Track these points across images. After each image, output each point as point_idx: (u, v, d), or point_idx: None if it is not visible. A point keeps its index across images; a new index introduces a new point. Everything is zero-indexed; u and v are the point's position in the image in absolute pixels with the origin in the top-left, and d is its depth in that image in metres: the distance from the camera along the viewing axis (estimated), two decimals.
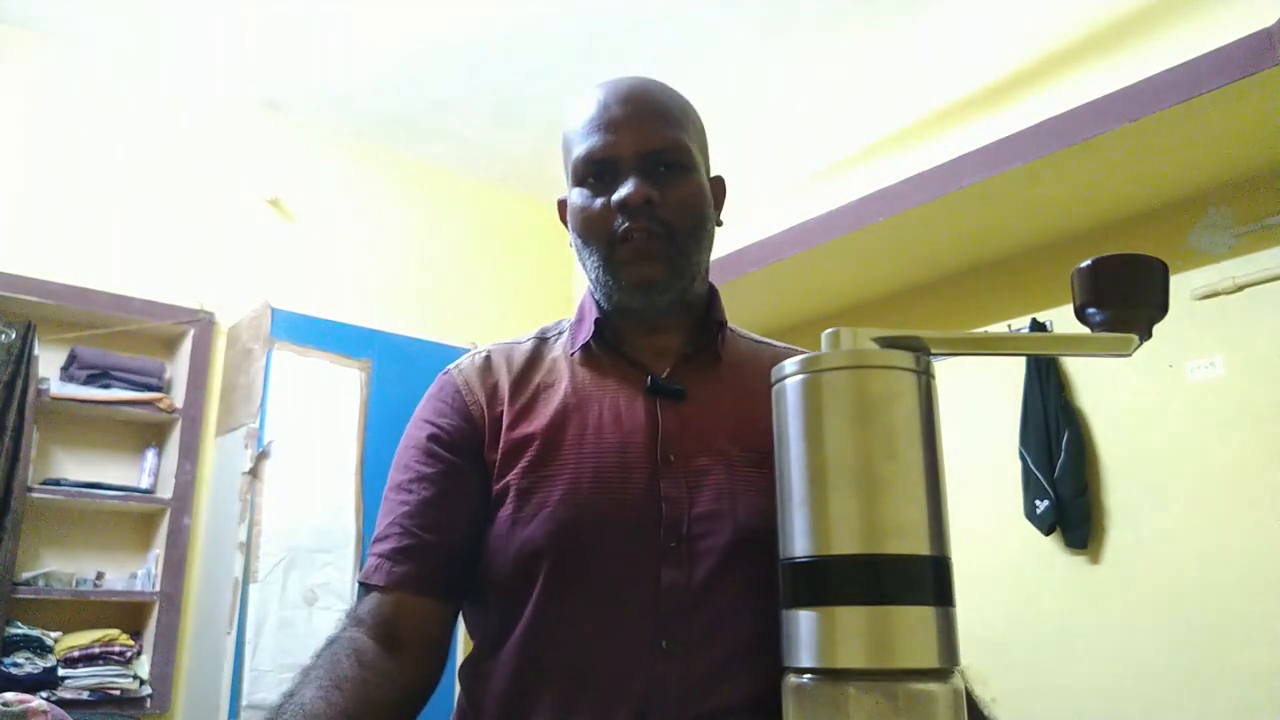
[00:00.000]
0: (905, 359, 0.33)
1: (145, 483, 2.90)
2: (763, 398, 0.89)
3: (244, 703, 2.51)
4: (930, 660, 0.29)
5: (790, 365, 0.32)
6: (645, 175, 0.85)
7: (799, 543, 0.30)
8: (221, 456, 2.90)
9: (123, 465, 2.90)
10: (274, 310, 2.83)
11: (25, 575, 2.59)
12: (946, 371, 3.13)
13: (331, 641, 0.79)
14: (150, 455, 2.93)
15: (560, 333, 0.96)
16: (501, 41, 2.95)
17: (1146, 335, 0.39)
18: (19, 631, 2.51)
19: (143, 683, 2.68)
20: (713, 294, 0.95)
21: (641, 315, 0.89)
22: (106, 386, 2.81)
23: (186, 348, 3.02)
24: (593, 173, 0.86)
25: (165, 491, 2.89)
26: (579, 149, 0.88)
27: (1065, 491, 2.61)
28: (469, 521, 0.84)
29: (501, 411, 0.87)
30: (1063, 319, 2.80)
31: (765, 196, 3.17)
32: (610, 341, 0.90)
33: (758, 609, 0.76)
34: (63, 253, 2.83)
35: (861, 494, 0.29)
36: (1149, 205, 2.62)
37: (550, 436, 0.84)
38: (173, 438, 2.95)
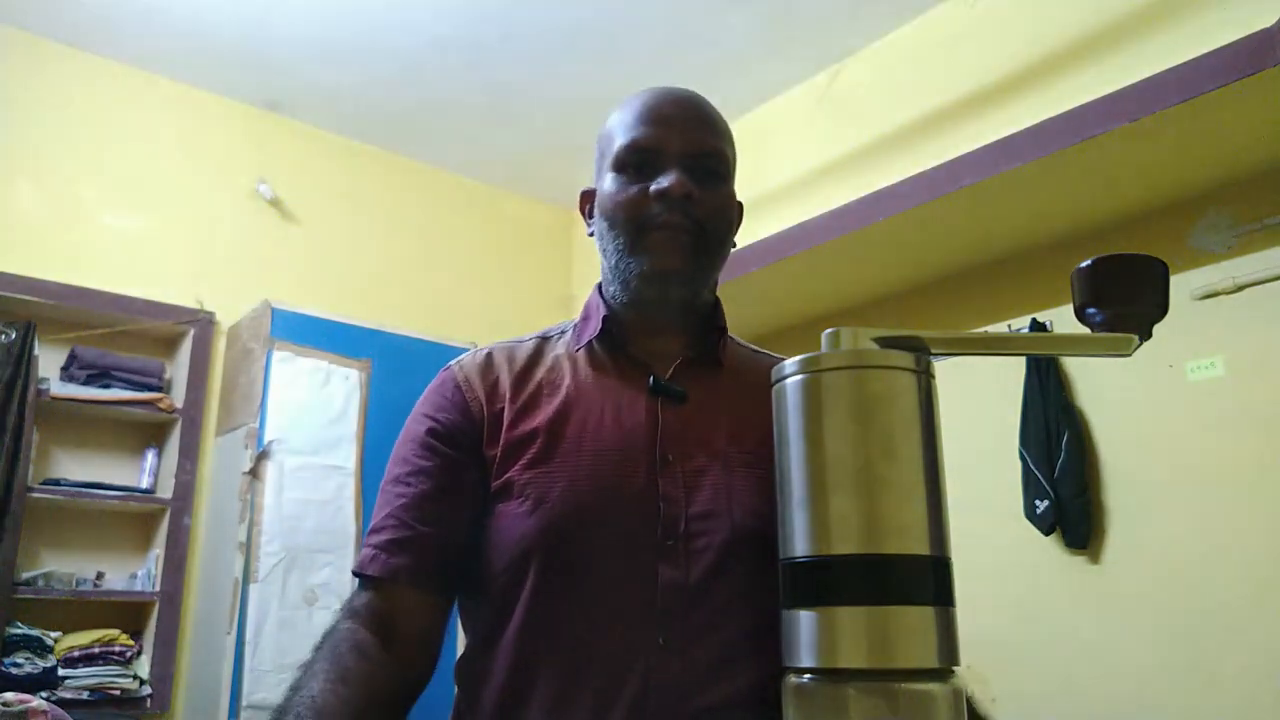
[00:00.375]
0: (905, 359, 0.33)
1: (145, 483, 2.90)
2: (760, 402, 0.89)
3: (244, 703, 2.51)
4: (930, 660, 0.29)
5: (790, 365, 0.32)
6: (686, 172, 0.86)
7: (799, 543, 0.30)
8: (221, 456, 2.90)
9: (123, 465, 2.90)
10: (274, 310, 2.83)
11: (25, 575, 2.59)
12: (946, 371, 3.13)
13: (330, 634, 0.80)
14: (150, 455, 2.94)
15: (563, 332, 0.97)
16: (501, 41, 2.95)
17: (1146, 335, 0.39)
18: (19, 631, 2.51)
19: (143, 683, 2.68)
20: (716, 303, 0.97)
21: (651, 313, 0.90)
22: (106, 386, 2.81)
23: (186, 347, 3.02)
24: (634, 161, 0.87)
25: (165, 491, 2.89)
26: (624, 137, 0.89)
27: (1065, 491, 2.60)
28: (466, 516, 0.85)
29: (502, 408, 0.87)
30: (1063, 319, 2.80)
31: (765, 197, 3.16)
32: (615, 341, 0.91)
33: (754, 606, 0.77)
34: (63, 253, 2.83)
35: (861, 494, 0.29)
36: (1149, 205, 2.62)
37: (552, 432, 0.84)
38: (173, 438, 2.95)
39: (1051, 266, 2.86)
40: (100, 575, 2.76)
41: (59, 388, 2.72)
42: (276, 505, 2.68)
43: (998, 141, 2.43)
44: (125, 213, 2.98)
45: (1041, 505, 2.63)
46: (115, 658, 2.64)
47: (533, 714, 0.78)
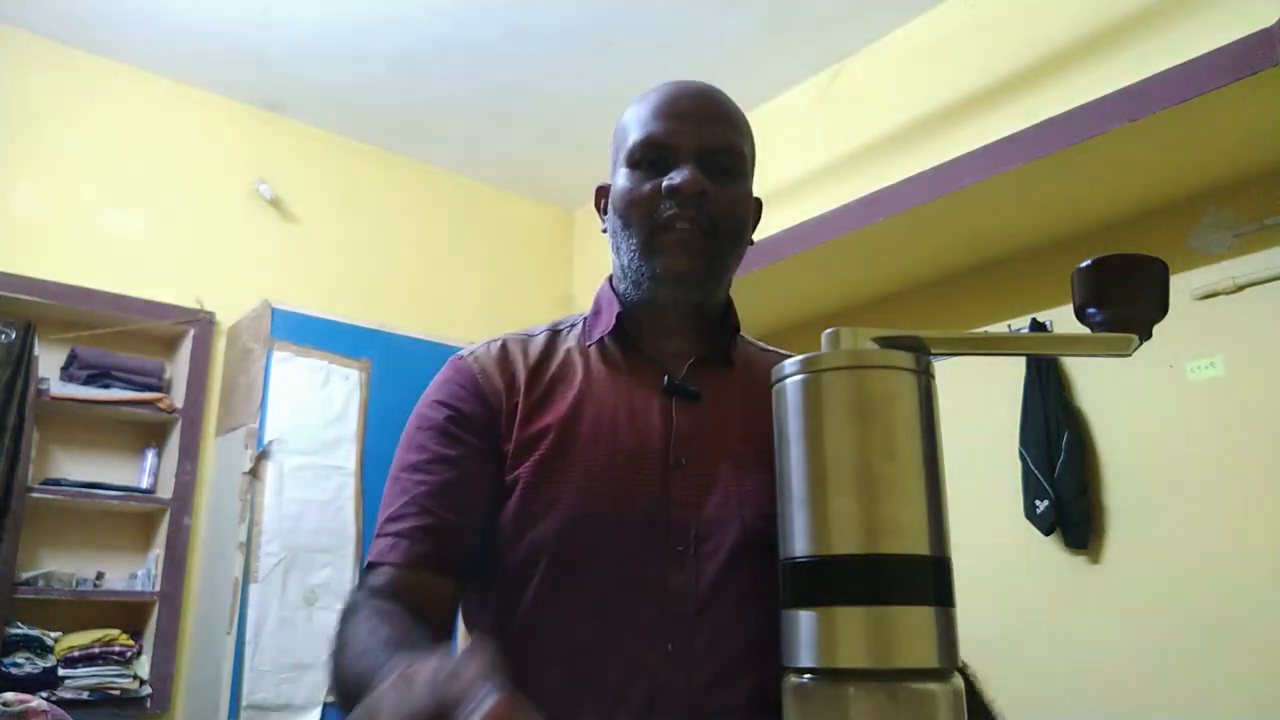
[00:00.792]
0: (905, 359, 0.33)
1: (145, 483, 2.90)
2: (768, 397, 0.89)
3: (244, 703, 2.51)
4: (930, 660, 0.29)
5: (790, 365, 0.32)
6: (701, 169, 0.84)
7: (799, 543, 0.30)
8: (221, 456, 2.90)
9: (123, 465, 2.90)
10: (274, 310, 2.83)
11: (25, 575, 2.59)
12: (946, 372, 3.13)
13: (352, 609, 0.76)
14: (150, 455, 2.93)
15: (573, 326, 0.95)
16: (501, 41, 2.95)
17: (1146, 335, 0.39)
18: (19, 631, 2.51)
19: (143, 683, 2.68)
20: (728, 302, 0.96)
21: (664, 312, 0.89)
22: (106, 386, 2.81)
23: (186, 347, 3.02)
24: (649, 157, 0.86)
25: (165, 491, 2.89)
26: (638, 132, 0.87)
27: (1065, 491, 2.60)
28: (486, 506, 0.83)
29: (518, 403, 0.86)
30: (1063, 319, 2.80)
31: (764, 197, 3.16)
32: (628, 338, 0.90)
33: (763, 610, 0.76)
34: (63, 253, 2.83)
35: (861, 494, 0.29)
36: (1149, 205, 2.62)
37: (565, 431, 0.83)
38: (173, 438, 2.95)
39: (1051, 266, 2.86)
40: (100, 575, 2.76)
41: (59, 388, 2.72)
42: (276, 505, 2.68)
43: (998, 141, 2.43)
44: (125, 213, 2.98)
45: (1041, 505, 2.63)
46: (115, 658, 2.64)
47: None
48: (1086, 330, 0.41)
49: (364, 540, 2.80)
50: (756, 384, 0.91)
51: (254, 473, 2.66)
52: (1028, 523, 2.68)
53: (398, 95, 3.25)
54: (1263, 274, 2.40)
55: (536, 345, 0.92)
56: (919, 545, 0.30)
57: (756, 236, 0.97)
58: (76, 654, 2.57)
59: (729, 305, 0.95)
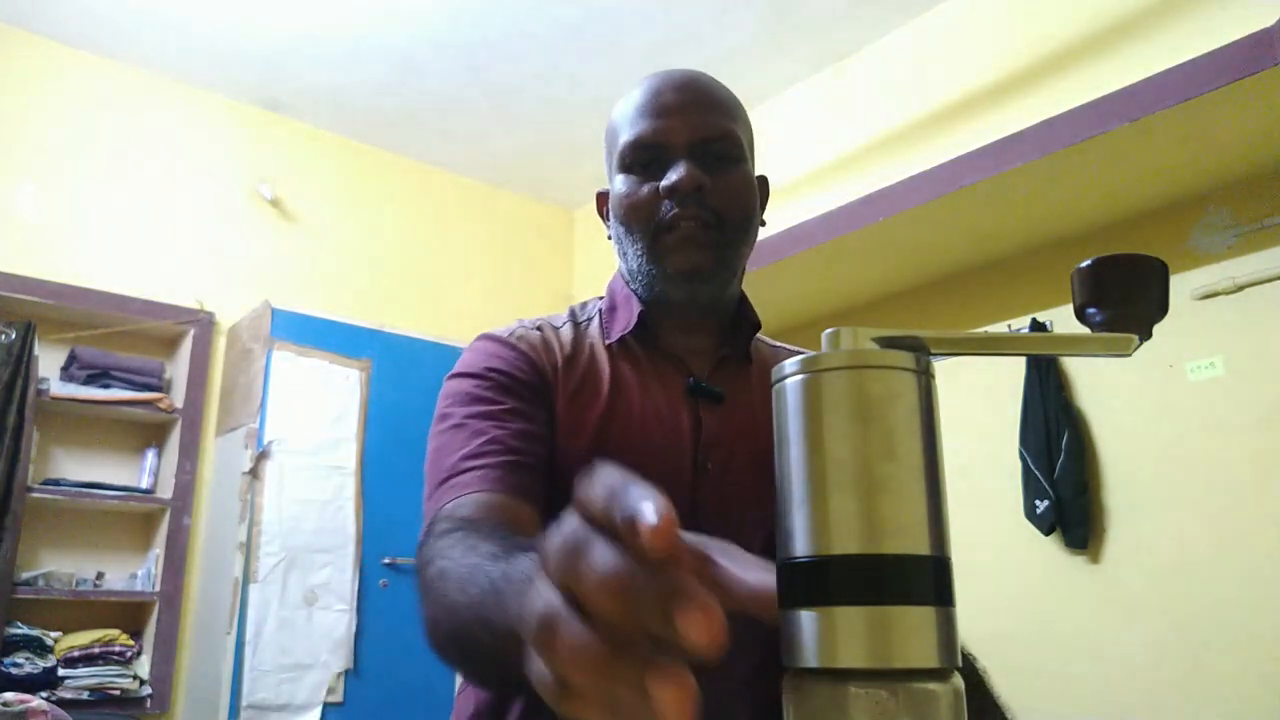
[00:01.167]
0: (905, 359, 0.33)
1: (145, 483, 2.90)
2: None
3: (244, 703, 2.51)
4: (930, 660, 0.29)
5: (790, 365, 0.32)
6: (696, 163, 0.82)
7: (798, 543, 0.30)
8: (221, 456, 2.90)
9: (123, 465, 2.90)
10: (274, 310, 2.83)
11: (25, 575, 2.59)
12: (946, 372, 3.14)
13: (443, 535, 0.63)
14: (150, 455, 2.93)
15: (590, 319, 0.92)
16: (501, 41, 2.95)
17: (1147, 335, 0.39)
18: (19, 631, 2.51)
19: (143, 683, 2.68)
20: (743, 296, 0.94)
21: (681, 310, 0.87)
22: (106, 386, 2.81)
23: (186, 348, 3.02)
24: (641, 158, 0.84)
25: (165, 491, 2.89)
26: (628, 134, 0.85)
27: (1065, 491, 2.60)
28: (549, 466, 0.78)
29: (563, 385, 0.83)
30: (1063, 319, 2.80)
31: None
32: (649, 336, 0.88)
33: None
34: (63, 253, 2.83)
35: (861, 494, 0.29)
36: (1149, 205, 2.62)
37: (600, 431, 0.81)
38: (173, 438, 2.95)
39: (1051, 266, 2.86)
40: (100, 575, 2.76)
41: (59, 388, 2.72)
42: (276, 505, 2.68)
43: (998, 141, 2.43)
44: (125, 213, 2.98)
45: (1041, 505, 2.63)
46: (115, 658, 2.64)
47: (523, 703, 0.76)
48: (1086, 330, 0.40)
49: (364, 540, 2.80)
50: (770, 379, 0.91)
51: (254, 473, 2.66)
52: (1028, 523, 2.68)
53: (398, 95, 3.25)
54: (1262, 274, 2.40)
55: (566, 337, 0.89)
56: (919, 545, 0.30)
57: (766, 225, 0.94)
58: (76, 654, 2.56)
59: (743, 299, 0.93)
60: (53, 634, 2.57)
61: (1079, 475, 2.61)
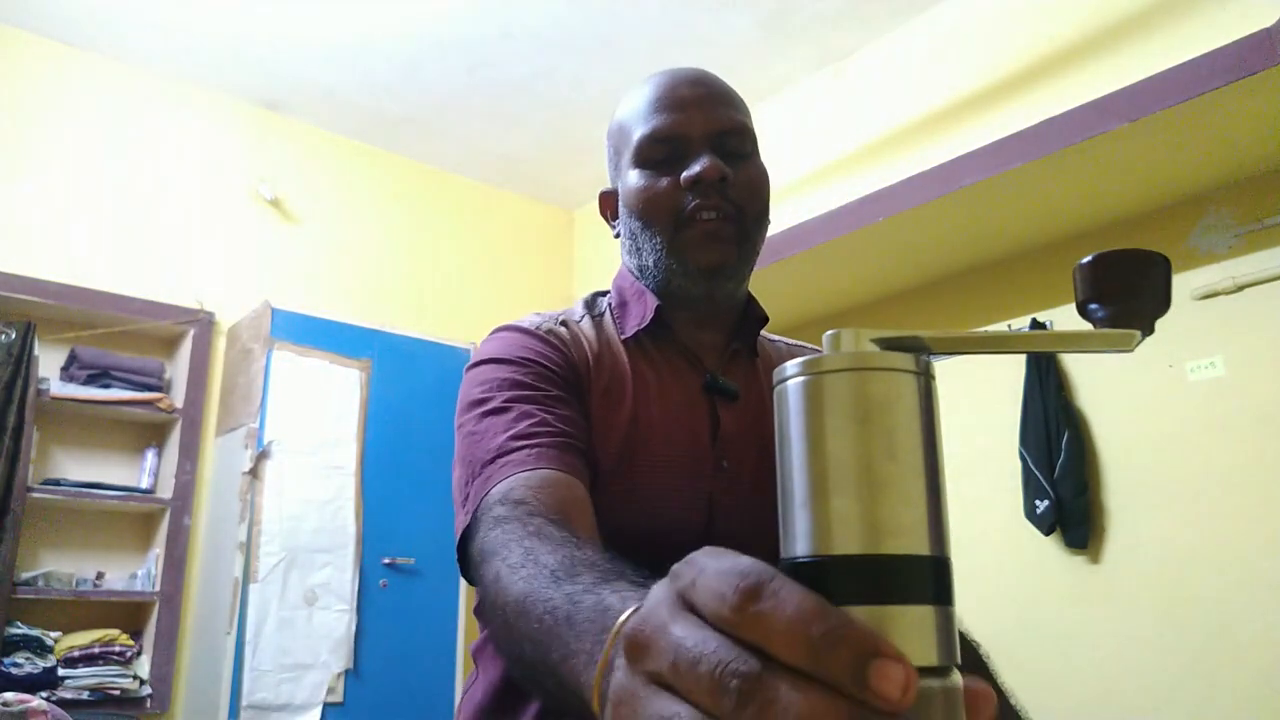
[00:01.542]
0: (906, 360, 0.33)
1: (145, 483, 2.90)
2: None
3: (244, 703, 2.51)
4: (930, 659, 0.29)
5: (791, 367, 0.32)
6: (716, 155, 0.82)
7: (799, 544, 0.30)
8: (221, 456, 2.90)
9: (123, 465, 2.90)
10: (274, 310, 2.83)
11: (25, 575, 2.59)
12: (946, 372, 3.14)
13: (507, 522, 0.60)
14: (150, 455, 2.93)
15: (601, 313, 0.91)
16: (501, 41, 2.95)
17: (1149, 331, 0.39)
18: (19, 631, 2.50)
19: (142, 683, 2.68)
20: (749, 292, 0.94)
21: (697, 304, 0.86)
22: (106, 386, 2.81)
23: (186, 348, 3.02)
24: (659, 152, 0.83)
25: (165, 491, 2.89)
26: (643, 129, 0.84)
27: (1065, 491, 2.60)
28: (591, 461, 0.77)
29: (594, 382, 0.82)
30: (1063, 319, 2.80)
31: None
32: (667, 331, 0.87)
33: None
34: (63, 252, 2.83)
35: (862, 495, 0.29)
36: (1149, 205, 2.62)
37: (630, 431, 0.80)
38: (173, 438, 2.95)
39: (1051, 266, 2.87)
40: (100, 575, 2.76)
41: (59, 388, 2.72)
42: (276, 505, 2.68)
43: (998, 141, 2.43)
44: (125, 213, 2.98)
45: (1041, 505, 2.63)
46: (115, 658, 2.64)
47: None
48: (1088, 326, 0.40)
49: (364, 540, 2.80)
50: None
51: (254, 473, 2.66)
52: (1028, 523, 2.68)
53: (398, 96, 3.25)
54: (1263, 274, 2.40)
55: (589, 332, 0.87)
56: (919, 546, 0.30)
57: (771, 223, 0.94)
58: (76, 654, 2.56)
59: (750, 294, 0.93)
60: (53, 634, 2.57)
61: (1079, 475, 2.61)
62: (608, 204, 0.92)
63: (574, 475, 0.69)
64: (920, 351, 0.33)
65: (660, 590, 0.30)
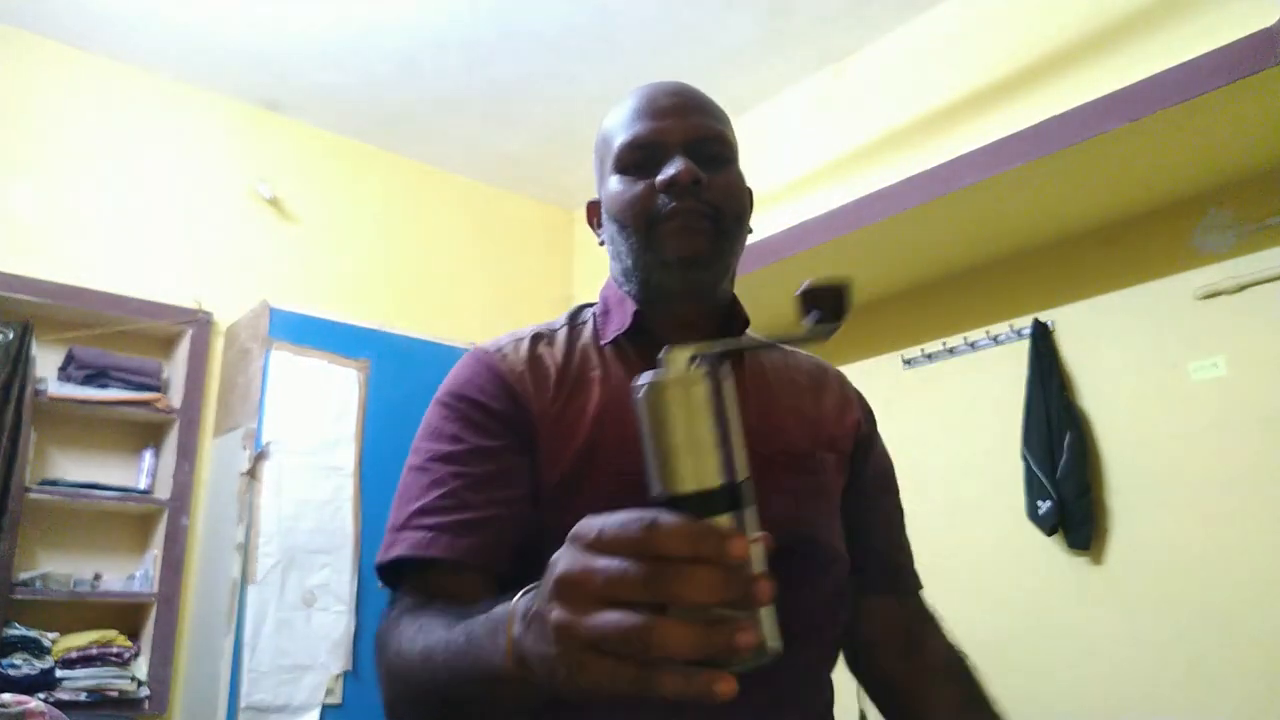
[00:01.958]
0: (695, 372, 0.48)
1: (143, 483, 2.89)
2: (782, 400, 0.90)
3: (242, 704, 2.50)
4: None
5: (641, 378, 0.48)
6: (691, 160, 0.84)
7: (656, 487, 0.46)
8: (219, 457, 2.89)
9: (120, 466, 2.90)
10: (272, 310, 2.82)
11: (22, 576, 2.58)
12: (949, 374, 3.12)
13: (399, 620, 0.71)
14: (148, 456, 2.93)
15: (584, 321, 0.93)
16: (501, 41, 2.95)
17: (837, 325, 0.57)
18: (16, 633, 2.50)
19: (140, 684, 2.67)
20: (734, 297, 0.95)
21: (676, 304, 0.87)
22: (104, 387, 2.80)
23: (184, 348, 3.01)
24: (637, 158, 0.85)
25: (163, 492, 2.88)
26: (623, 136, 0.87)
27: (1067, 492, 2.60)
28: (523, 507, 0.79)
29: (549, 405, 0.84)
30: (1063, 319, 2.80)
31: (765, 197, 3.16)
32: (644, 336, 0.88)
33: (785, 608, 0.75)
34: (60, 252, 2.82)
35: (679, 455, 0.46)
36: (1150, 205, 2.62)
37: (593, 438, 0.81)
38: (170, 438, 2.94)
39: (1051, 266, 2.86)
40: (98, 576, 2.75)
41: (56, 388, 2.71)
42: (274, 506, 2.67)
43: (998, 141, 2.43)
44: (123, 212, 2.97)
45: (1044, 506, 2.63)
46: (113, 659, 2.63)
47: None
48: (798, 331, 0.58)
49: (362, 541, 2.79)
50: (765, 380, 0.92)
51: (252, 473, 2.65)
52: (1030, 523, 2.68)
53: (398, 95, 3.25)
54: (1265, 274, 2.39)
55: (560, 343, 0.90)
56: (713, 480, 0.45)
57: (749, 238, 0.96)
58: (74, 655, 2.56)
59: (734, 299, 0.94)
60: (50, 635, 2.57)
61: (1081, 476, 2.60)
62: (594, 213, 0.94)
63: (463, 560, 0.75)
64: (710, 358, 0.49)
65: (566, 550, 0.46)
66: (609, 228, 0.88)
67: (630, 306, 0.88)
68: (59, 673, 2.52)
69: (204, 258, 3.10)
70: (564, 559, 0.45)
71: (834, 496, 0.90)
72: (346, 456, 2.83)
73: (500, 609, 0.54)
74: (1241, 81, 1.99)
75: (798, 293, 0.57)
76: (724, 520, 0.45)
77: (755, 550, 0.45)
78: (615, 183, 0.86)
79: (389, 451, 2.86)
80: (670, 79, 0.94)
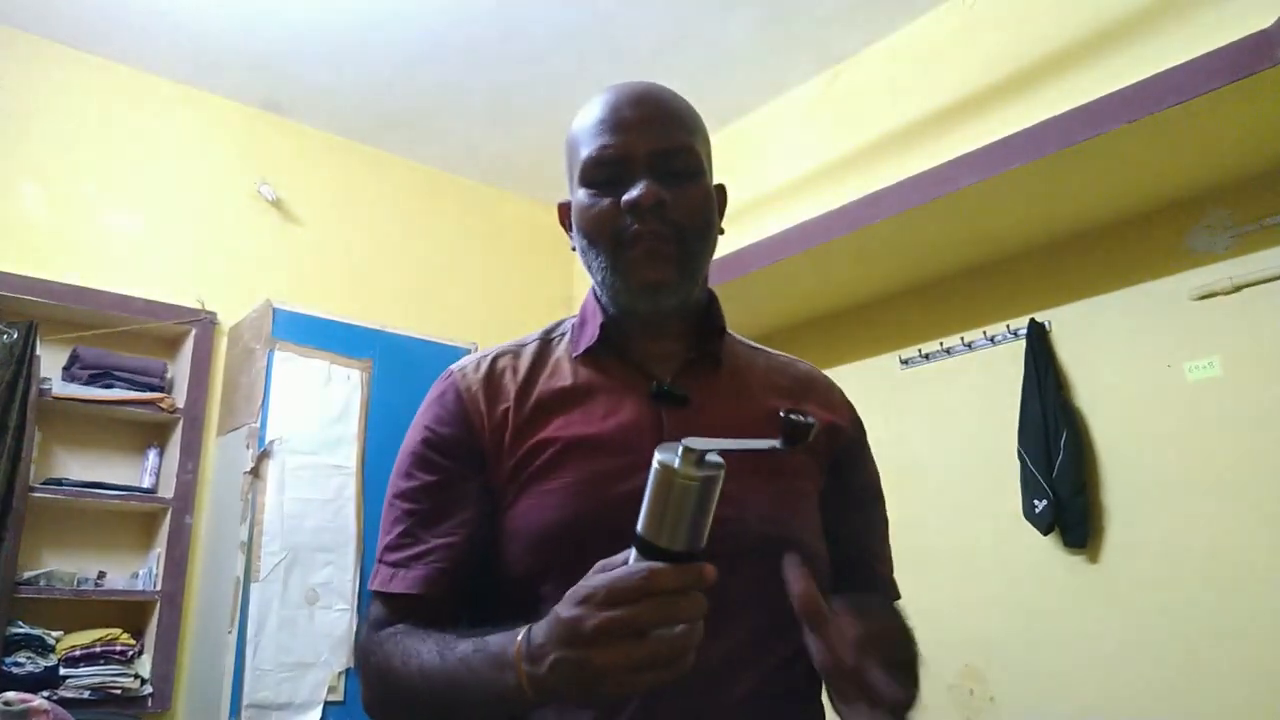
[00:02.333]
0: (690, 469, 0.60)
1: (147, 482, 2.90)
2: (761, 404, 0.91)
3: (245, 702, 2.51)
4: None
5: (659, 453, 0.61)
6: (655, 177, 0.84)
7: (651, 536, 0.61)
8: (223, 456, 2.90)
9: (124, 465, 2.91)
10: (275, 310, 2.83)
11: (27, 574, 2.60)
12: (945, 372, 3.14)
13: (377, 641, 0.82)
14: (152, 455, 2.94)
15: (563, 334, 0.95)
16: (501, 41, 2.96)
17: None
18: (20, 631, 2.51)
19: (144, 682, 2.69)
20: (712, 299, 0.95)
21: (646, 319, 0.89)
22: (108, 386, 2.81)
23: (188, 347, 3.03)
24: (602, 175, 0.85)
25: (167, 491, 2.90)
26: (587, 149, 0.87)
27: (1063, 491, 2.61)
28: (474, 527, 0.85)
29: (507, 419, 0.87)
30: (1059, 319, 2.81)
31: (765, 197, 3.17)
32: (615, 346, 0.90)
33: (764, 606, 0.77)
34: (64, 253, 2.83)
35: (664, 524, 0.61)
36: (1147, 205, 2.63)
37: (559, 446, 0.84)
38: (174, 437, 2.95)
39: (1048, 267, 2.87)
40: (102, 575, 2.77)
41: (61, 388, 2.73)
42: (278, 505, 2.68)
43: (998, 141, 2.44)
44: (127, 213, 2.98)
45: (1040, 505, 2.64)
46: (116, 657, 2.64)
47: (543, 714, 0.78)
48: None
49: (365, 539, 2.81)
50: (746, 386, 0.92)
51: (255, 472, 2.67)
52: (1026, 522, 2.69)
53: (397, 95, 3.26)
54: (1261, 274, 2.40)
55: (527, 356, 0.92)
56: (681, 545, 0.61)
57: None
58: (78, 653, 2.57)
59: (712, 303, 0.95)
60: (54, 633, 2.58)
61: (1077, 475, 2.61)
62: (566, 215, 0.94)
63: (428, 594, 0.82)
64: (704, 461, 0.60)
65: (564, 606, 0.64)
66: (579, 240, 0.90)
67: (599, 319, 0.90)
68: (63, 671, 2.53)
69: (207, 258, 3.11)
70: (581, 612, 0.62)
71: (811, 496, 0.90)
72: (349, 455, 2.84)
73: (495, 647, 0.69)
74: (1240, 82, 1.99)
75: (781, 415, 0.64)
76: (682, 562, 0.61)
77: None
78: (583, 196, 0.87)
79: (391, 450, 2.83)
80: (676, 84, 0.92)
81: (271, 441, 2.71)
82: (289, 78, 3.15)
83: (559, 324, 0.98)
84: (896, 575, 1.00)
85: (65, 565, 2.70)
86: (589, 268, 0.90)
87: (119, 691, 2.61)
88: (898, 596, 0.98)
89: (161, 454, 2.96)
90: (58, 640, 2.58)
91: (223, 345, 3.06)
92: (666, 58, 3.00)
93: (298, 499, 2.72)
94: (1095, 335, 2.72)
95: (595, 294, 0.94)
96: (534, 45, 2.98)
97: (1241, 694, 2.27)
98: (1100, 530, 2.62)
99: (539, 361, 0.92)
